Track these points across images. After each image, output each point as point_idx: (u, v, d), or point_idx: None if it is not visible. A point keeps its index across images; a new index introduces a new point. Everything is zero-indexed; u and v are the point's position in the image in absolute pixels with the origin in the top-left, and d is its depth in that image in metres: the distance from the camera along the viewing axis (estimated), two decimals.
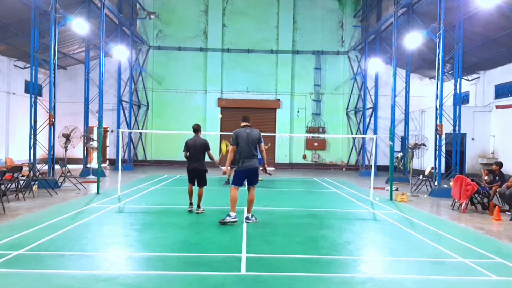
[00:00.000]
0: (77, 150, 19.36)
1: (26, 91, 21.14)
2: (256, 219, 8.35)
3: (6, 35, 17.35)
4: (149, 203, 10.81)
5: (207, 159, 9.32)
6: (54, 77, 13.99)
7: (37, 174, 13.04)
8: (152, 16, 24.37)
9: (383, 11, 21.14)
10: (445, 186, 13.38)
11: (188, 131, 23.57)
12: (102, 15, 17.73)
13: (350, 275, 5.41)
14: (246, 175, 8.11)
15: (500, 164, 11.48)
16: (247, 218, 8.27)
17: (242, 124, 8.20)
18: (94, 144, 18.41)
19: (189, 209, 9.33)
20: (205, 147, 9.30)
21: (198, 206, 9.23)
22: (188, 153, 9.29)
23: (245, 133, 8.03)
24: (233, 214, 8.01)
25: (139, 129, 24.57)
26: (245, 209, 8.59)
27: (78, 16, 16.23)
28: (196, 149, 9.23)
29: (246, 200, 8.29)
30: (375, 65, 21.18)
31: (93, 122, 19.77)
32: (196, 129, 9.53)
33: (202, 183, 9.30)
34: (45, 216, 8.56)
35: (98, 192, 12.05)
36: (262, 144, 8.28)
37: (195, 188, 9.34)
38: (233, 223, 7.98)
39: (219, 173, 14.15)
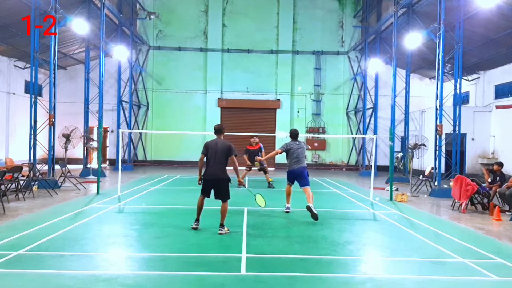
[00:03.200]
0: (77, 150, 19.34)
1: (26, 91, 21.14)
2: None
3: (6, 35, 17.35)
4: (149, 203, 10.81)
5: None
6: (54, 77, 13.99)
7: (37, 174, 13.04)
8: (152, 16, 24.36)
9: (383, 11, 21.14)
10: (445, 186, 13.38)
11: (188, 131, 23.47)
12: (102, 15, 17.74)
13: (350, 275, 5.42)
14: (293, 176, 9.52)
15: (501, 164, 11.48)
16: (309, 207, 8.77)
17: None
18: (94, 144, 18.42)
19: (194, 226, 7.57)
20: (228, 150, 7.49)
21: (221, 225, 7.41)
22: (205, 157, 7.57)
23: (295, 144, 9.53)
24: (287, 205, 9.85)
25: (139, 129, 24.56)
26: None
27: (78, 16, 16.24)
28: (217, 153, 7.44)
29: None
30: (375, 65, 21.18)
31: (93, 122, 19.77)
32: (218, 129, 7.78)
33: (224, 196, 7.51)
34: (45, 216, 8.56)
35: (98, 192, 12.04)
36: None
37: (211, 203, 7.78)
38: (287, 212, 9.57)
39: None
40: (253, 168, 14.83)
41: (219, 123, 24.45)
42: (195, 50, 25.15)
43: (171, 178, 17.48)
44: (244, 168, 15.06)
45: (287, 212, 9.57)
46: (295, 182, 9.56)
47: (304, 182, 9.30)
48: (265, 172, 14.83)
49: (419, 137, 14.51)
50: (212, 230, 7.66)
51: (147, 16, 24.28)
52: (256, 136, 15.03)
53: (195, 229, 7.54)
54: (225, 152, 7.47)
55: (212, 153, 7.48)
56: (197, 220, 7.65)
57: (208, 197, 7.64)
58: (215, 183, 7.48)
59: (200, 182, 7.64)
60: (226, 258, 5.97)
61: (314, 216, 8.50)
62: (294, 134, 9.66)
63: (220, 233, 7.30)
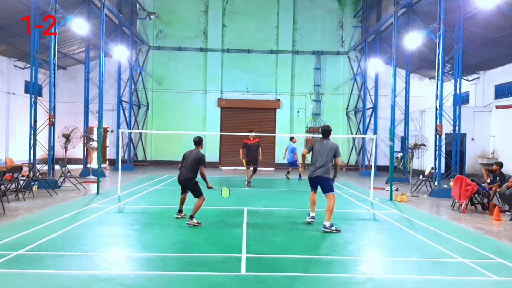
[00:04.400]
0: (77, 150, 19.35)
1: (26, 91, 21.14)
2: (337, 229, 7.76)
3: (6, 35, 17.35)
4: (149, 203, 10.81)
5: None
6: (54, 77, 13.99)
7: (37, 174, 13.04)
8: (152, 16, 24.36)
9: (383, 11, 21.14)
10: (445, 186, 13.38)
11: (188, 131, 23.57)
12: (102, 15, 17.74)
13: (350, 275, 5.42)
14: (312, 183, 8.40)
15: (500, 164, 11.47)
16: (324, 226, 7.82)
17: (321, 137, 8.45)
18: (94, 144, 18.41)
19: (177, 216, 8.59)
20: (198, 161, 8.21)
21: (191, 217, 8.02)
22: (181, 165, 8.54)
23: (319, 144, 8.26)
24: (311, 214, 8.51)
25: (139, 129, 24.56)
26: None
27: (78, 16, 16.23)
28: (188, 161, 8.29)
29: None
30: (375, 65, 21.17)
31: (93, 122, 19.76)
32: (197, 142, 8.61)
33: (196, 193, 8.28)
34: (45, 216, 8.57)
35: (98, 192, 12.05)
36: (338, 158, 8.19)
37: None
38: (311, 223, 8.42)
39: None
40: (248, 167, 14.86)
41: (219, 123, 24.63)
42: (195, 50, 25.15)
43: (171, 178, 17.47)
44: (245, 168, 15.07)
45: (310, 222, 8.39)
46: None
47: (325, 189, 8.15)
48: (254, 172, 14.86)
49: (419, 137, 14.51)
50: (212, 230, 7.68)
51: (147, 16, 24.28)
52: (255, 135, 14.99)
53: (178, 218, 8.52)
54: (195, 161, 8.25)
55: (185, 161, 8.41)
56: (180, 211, 8.68)
57: (187, 193, 8.58)
58: (184, 184, 8.45)
59: None
60: (226, 258, 5.97)
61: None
62: (323, 131, 8.38)
63: (188, 224, 7.95)
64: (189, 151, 8.57)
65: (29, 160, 13.67)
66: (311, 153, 8.38)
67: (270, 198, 12.19)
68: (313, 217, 8.45)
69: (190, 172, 8.27)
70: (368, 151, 23.39)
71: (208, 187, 8.31)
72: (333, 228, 7.79)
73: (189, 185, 8.36)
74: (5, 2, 14.87)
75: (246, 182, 14.74)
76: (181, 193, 8.65)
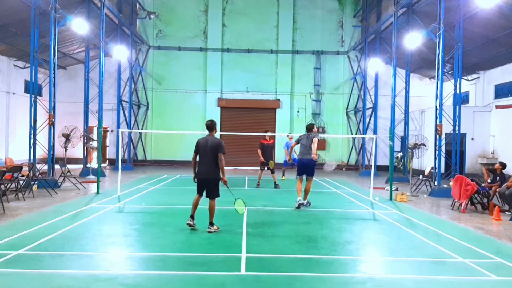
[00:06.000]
0: (77, 150, 19.33)
1: (26, 91, 21.12)
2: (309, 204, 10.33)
3: (6, 35, 17.34)
4: (149, 203, 10.81)
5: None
6: (54, 77, 13.99)
7: (37, 174, 13.04)
8: (152, 16, 24.36)
9: (383, 11, 21.13)
10: (445, 186, 13.38)
11: (188, 130, 23.47)
12: (102, 15, 17.73)
13: (350, 275, 5.42)
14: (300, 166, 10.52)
15: (504, 165, 11.47)
16: (303, 204, 10.27)
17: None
18: (94, 144, 18.42)
19: (189, 222, 7.51)
20: (217, 148, 7.37)
21: (211, 224, 7.45)
22: (197, 156, 7.60)
23: (305, 136, 10.49)
24: (298, 198, 10.35)
25: (139, 129, 24.56)
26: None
27: (78, 16, 16.22)
28: (207, 151, 7.38)
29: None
30: (375, 65, 21.17)
31: (93, 122, 19.75)
32: (209, 126, 7.64)
33: (213, 194, 7.50)
34: (45, 216, 8.56)
35: (98, 192, 12.05)
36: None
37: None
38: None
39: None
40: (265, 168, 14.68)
41: (219, 123, 24.51)
42: (195, 50, 25.14)
43: (171, 178, 17.48)
44: (259, 168, 14.90)
45: (300, 206, 10.24)
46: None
47: (310, 173, 10.36)
48: (272, 172, 14.67)
49: (419, 137, 14.51)
50: None
51: (147, 16, 24.27)
52: (270, 136, 14.84)
53: (189, 225, 7.52)
54: (215, 149, 7.37)
55: (203, 152, 7.47)
56: (192, 216, 7.59)
57: (202, 195, 7.67)
58: (204, 182, 7.53)
59: (195, 180, 7.69)
60: (226, 258, 5.97)
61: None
62: (307, 128, 10.82)
63: (209, 231, 7.35)
64: (203, 138, 7.57)
65: (29, 159, 13.67)
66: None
67: (270, 198, 12.20)
68: (300, 200, 10.23)
69: (212, 167, 7.37)
70: (368, 151, 23.38)
71: (224, 181, 7.50)
72: (309, 203, 10.29)
73: (210, 182, 7.44)
74: (5, 2, 14.86)
75: (257, 183, 14.63)
76: (198, 195, 7.65)
